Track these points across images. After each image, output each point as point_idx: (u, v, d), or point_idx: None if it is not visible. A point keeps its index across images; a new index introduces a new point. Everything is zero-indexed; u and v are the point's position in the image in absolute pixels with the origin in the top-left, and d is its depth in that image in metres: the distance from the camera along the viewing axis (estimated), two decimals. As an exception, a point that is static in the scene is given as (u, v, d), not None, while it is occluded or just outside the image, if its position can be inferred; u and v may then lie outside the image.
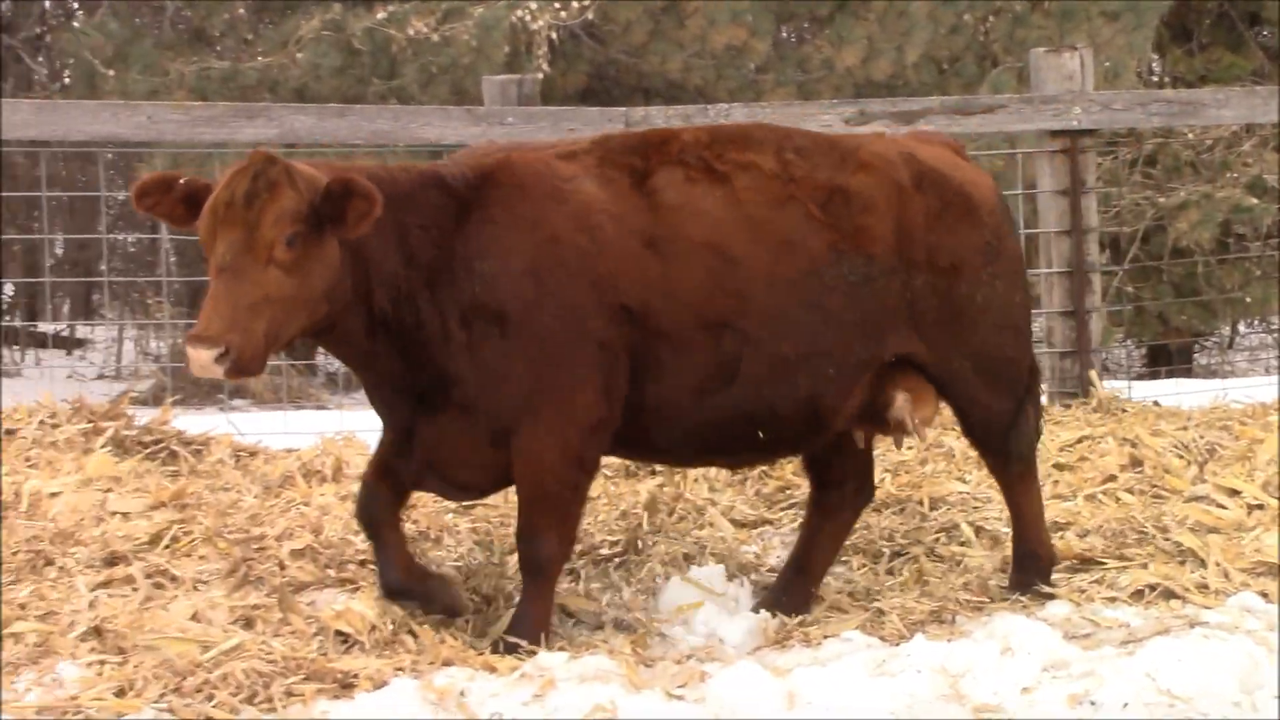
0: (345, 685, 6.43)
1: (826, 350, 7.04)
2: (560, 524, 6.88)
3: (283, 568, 7.52)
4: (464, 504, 8.27)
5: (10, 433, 9.08)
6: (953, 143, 7.69)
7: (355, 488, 8.35)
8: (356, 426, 9.59)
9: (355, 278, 6.67)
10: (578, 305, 6.79)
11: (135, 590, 7.21)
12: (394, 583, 6.99)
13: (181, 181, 6.65)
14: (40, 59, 16.58)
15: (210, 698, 6.28)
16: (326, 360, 15.25)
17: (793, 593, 7.41)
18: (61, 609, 6.95)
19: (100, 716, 6.17)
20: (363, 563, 7.60)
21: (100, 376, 17.05)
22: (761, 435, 7.08)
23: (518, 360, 6.76)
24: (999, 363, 7.40)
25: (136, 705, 6.22)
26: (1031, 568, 7.46)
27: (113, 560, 7.51)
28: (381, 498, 7.07)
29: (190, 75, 13.44)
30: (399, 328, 6.77)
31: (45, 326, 18.92)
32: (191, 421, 9.60)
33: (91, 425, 9.17)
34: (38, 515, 8.12)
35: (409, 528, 7.93)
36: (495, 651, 6.75)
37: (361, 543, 7.80)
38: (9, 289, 18.40)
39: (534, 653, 6.65)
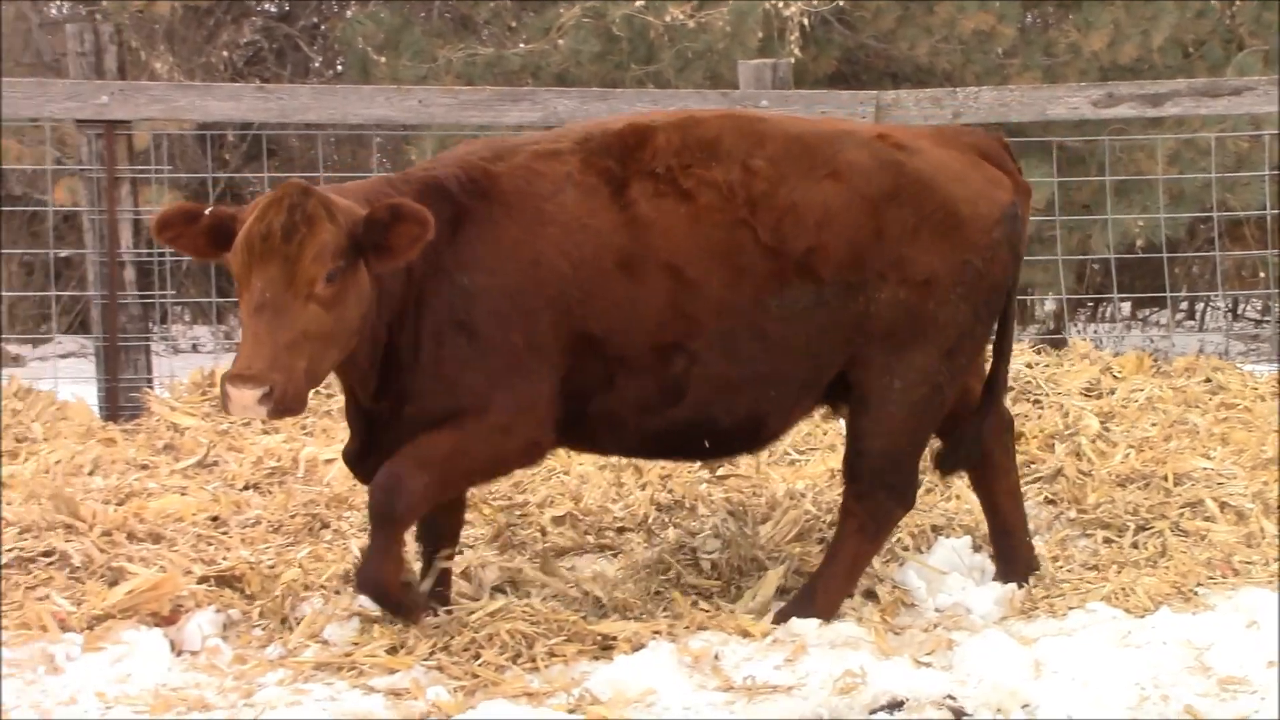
0: (604, 647, 6.51)
1: (770, 374, 6.69)
2: (427, 493, 6.43)
3: (544, 533, 7.62)
4: (715, 474, 8.32)
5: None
6: (985, 143, 7.08)
7: (613, 458, 8.46)
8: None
9: (377, 307, 6.41)
10: (543, 327, 6.48)
11: (404, 551, 7.35)
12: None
13: (207, 213, 6.31)
14: (316, 46, 16.88)
15: (477, 656, 6.39)
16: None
17: (1014, 557, 7.28)
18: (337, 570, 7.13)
19: (372, 672, 6.32)
20: (620, 530, 7.69)
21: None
22: (706, 445, 6.82)
23: (477, 370, 6.44)
24: (927, 391, 6.79)
25: (408, 662, 6.35)
26: (801, 610, 6.76)
27: (384, 524, 7.66)
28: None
29: (457, 61, 13.56)
30: (389, 350, 6.48)
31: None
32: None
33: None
34: (314, 480, 8.33)
35: (664, 496, 8.00)
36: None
37: (620, 510, 7.90)
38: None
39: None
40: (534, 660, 6.39)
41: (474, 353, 6.44)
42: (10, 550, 7.11)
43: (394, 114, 10.18)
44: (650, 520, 7.82)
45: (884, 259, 6.69)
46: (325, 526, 7.76)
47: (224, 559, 7.24)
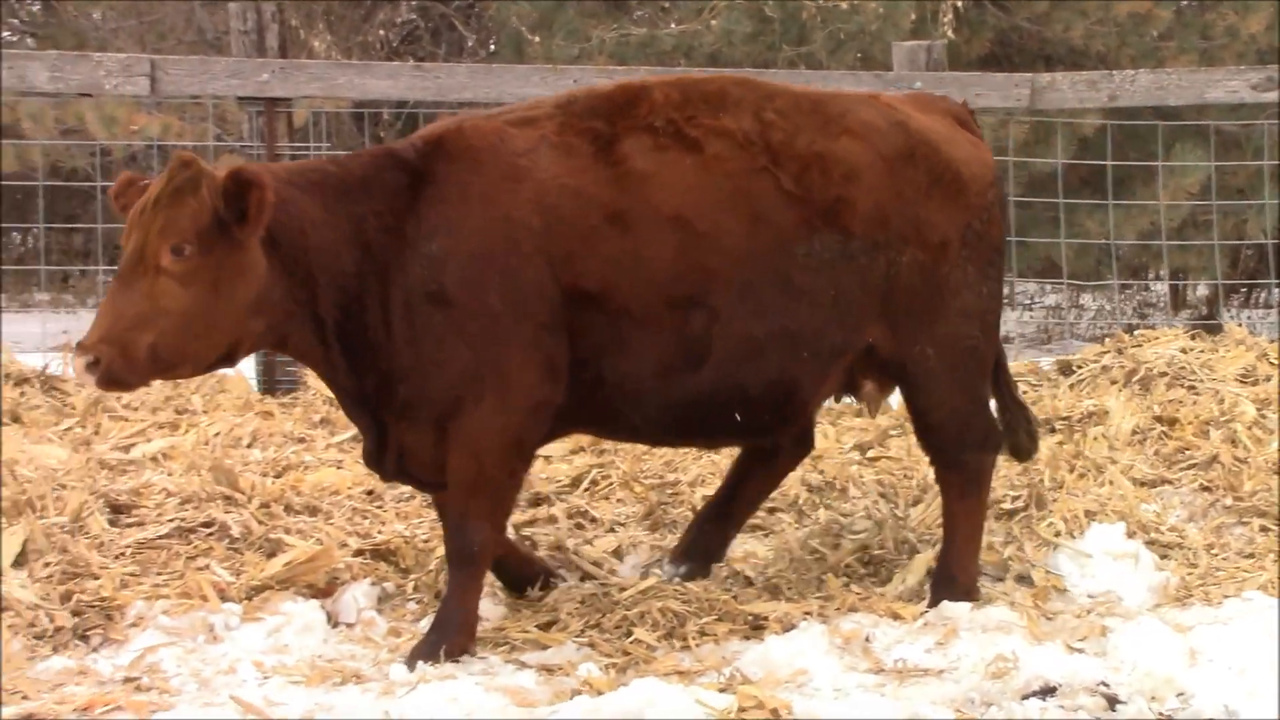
0: (755, 627, 6.48)
1: (799, 331, 6.45)
2: (494, 511, 6.34)
3: (695, 512, 7.60)
4: (866, 456, 8.27)
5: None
6: (957, 110, 6.96)
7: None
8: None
9: (294, 286, 6.16)
10: (524, 287, 6.22)
11: (557, 529, 7.37)
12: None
13: (142, 183, 6.16)
14: (471, 25, 16.94)
15: (628, 634, 6.39)
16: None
17: (707, 540, 7.05)
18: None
19: (525, 647, 6.33)
20: (771, 510, 7.65)
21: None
22: (738, 418, 6.54)
23: (458, 342, 6.20)
24: (963, 354, 6.69)
25: (560, 638, 6.36)
26: (947, 592, 6.70)
27: (537, 501, 7.70)
28: None
29: (610, 41, 13.58)
30: (349, 335, 6.24)
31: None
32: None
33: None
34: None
35: (815, 477, 7.96)
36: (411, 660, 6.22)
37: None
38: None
39: (458, 660, 6.24)
40: (685, 638, 6.38)
41: (451, 324, 6.20)
42: (171, 520, 7.19)
43: (548, 93, 10.13)
44: (801, 501, 7.77)
45: (904, 219, 6.56)
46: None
47: (379, 533, 7.28)
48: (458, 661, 6.20)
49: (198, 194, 5.98)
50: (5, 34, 17.43)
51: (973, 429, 6.77)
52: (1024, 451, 7.07)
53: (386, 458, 6.40)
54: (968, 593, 6.70)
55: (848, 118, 6.58)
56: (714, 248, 6.36)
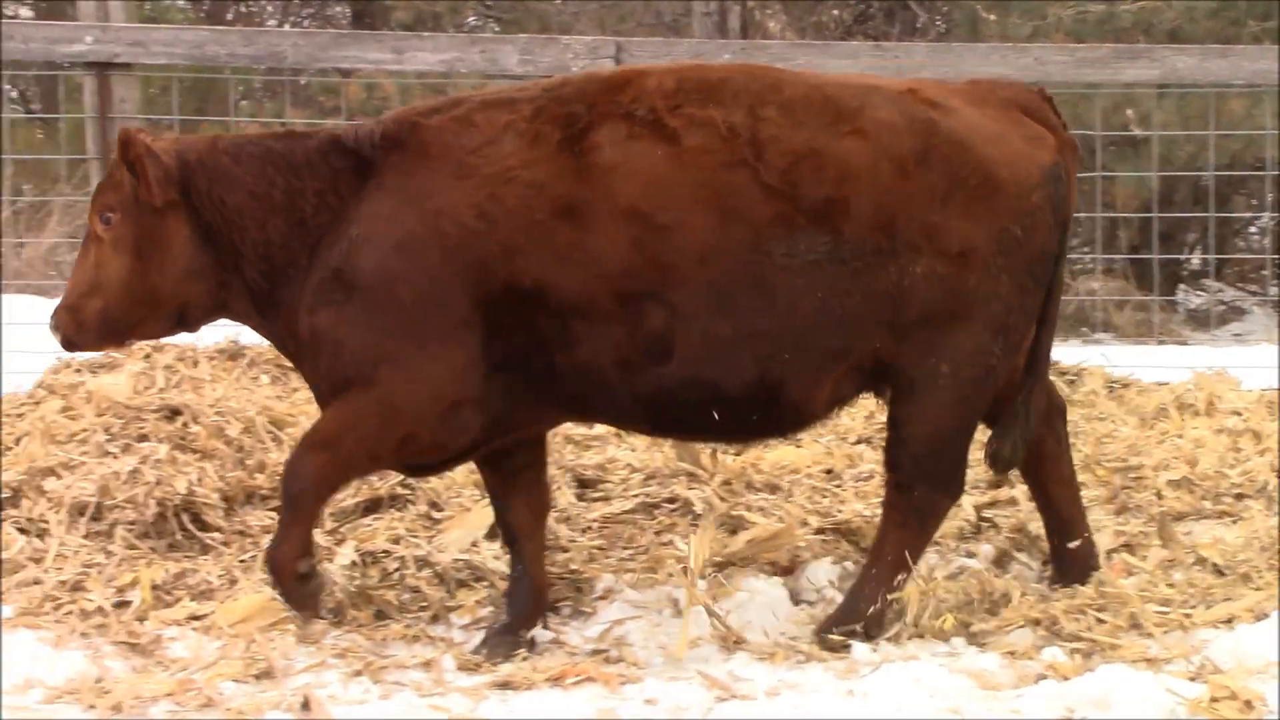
0: (1225, 620, 6.28)
1: (777, 332, 6.05)
2: (327, 472, 6.16)
3: (1159, 497, 7.43)
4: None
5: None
6: (1025, 97, 6.41)
7: (1229, 422, 8.19)
8: (1227, 362, 9.34)
9: (221, 252, 6.29)
10: (443, 282, 6.06)
11: (1018, 511, 7.28)
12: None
13: None
14: (924, 4, 16.82)
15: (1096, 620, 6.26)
16: (1186, 296, 14.97)
17: (1070, 556, 6.68)
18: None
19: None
20: (1239, 496, 7.43)
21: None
22: (716, 416, 6.16)
23: (355, 327, 6.10)
24: (977, 373, 6.19)
25: (1015, 620, 6.28)
26: (847, 619, 6.25)
27: (996, 484, 7.60)
28: None
29: (1067, 19, 13.36)
30: (274, 305, 6.30)
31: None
32: (1065, 353, 9.55)
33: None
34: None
35: None
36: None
37: (1237, 476, 7.63)
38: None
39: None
40: (1148, 626, 6.23)
41: (353, 307, 6.13)
42: (636, 495, 7.31)
43: (1010, 71, 9.95)
44: (1270, 487, 7.52)
45: (914, 226, 6.08)
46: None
47: (839, 511, 7.28)
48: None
49: (121, 166, 6.30)
50: (470, 19, 17.97)
51: (940, 461, 6.27)
52: (1001, 462, 6.49)
53: None
54: (870, 629, 6.22)
55: (861, 115, 6.16)
56: (675, 242, 6.04)
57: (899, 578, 6.25)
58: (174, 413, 7.42)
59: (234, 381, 8.21)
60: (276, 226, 6.29)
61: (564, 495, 7.30)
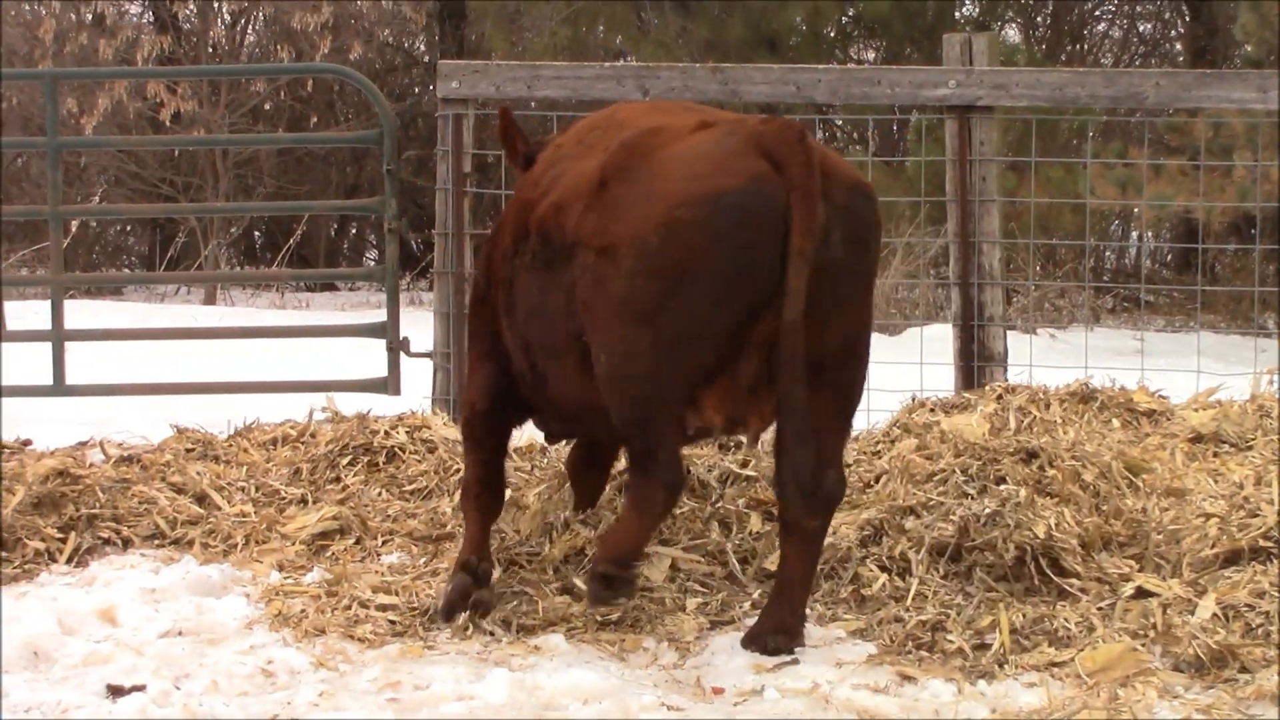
0: None
1: (549, 340, 6.59)
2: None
3: None
4: None
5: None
6: (770, 138, 6.21)
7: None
8: None
9: None
10: None
11: None
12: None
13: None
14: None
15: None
16: None
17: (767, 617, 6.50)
18: None
19: None
20: None
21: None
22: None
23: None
24: (619, 360, 6.26)
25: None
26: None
27: None
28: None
29: None
30: None
31: None
32: None
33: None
34: None
35: None
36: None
37: None
38: None
39: None
40: None
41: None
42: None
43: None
44: None
45: (585, 227, 6.37)
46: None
47: None
48: None
49: None
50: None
51: (636, 446, 6.39)
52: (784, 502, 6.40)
53: None
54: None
55: (609, 139, 6.61)
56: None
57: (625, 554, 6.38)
58: (1030, 455, 7.35)
59: (1085, 424, 8.11)
60: None
61: None
